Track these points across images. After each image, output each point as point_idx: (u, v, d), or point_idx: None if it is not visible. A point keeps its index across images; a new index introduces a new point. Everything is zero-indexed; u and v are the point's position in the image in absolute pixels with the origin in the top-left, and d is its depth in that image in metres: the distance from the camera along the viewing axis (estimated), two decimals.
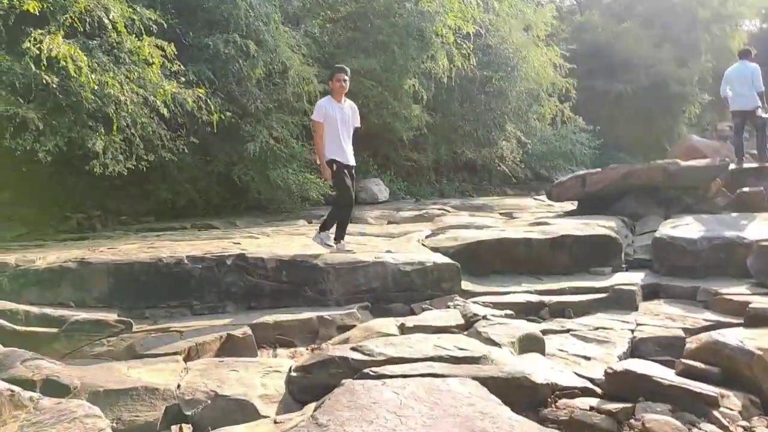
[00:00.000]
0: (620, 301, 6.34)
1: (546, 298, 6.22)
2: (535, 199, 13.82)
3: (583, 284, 6.70)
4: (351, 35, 13.81)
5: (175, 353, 4.50)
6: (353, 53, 13.37)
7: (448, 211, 11.67)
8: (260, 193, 10.91)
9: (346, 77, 6.55)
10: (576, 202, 10.50)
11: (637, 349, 5.40)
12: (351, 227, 9.09)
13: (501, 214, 11.24)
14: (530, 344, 4.75)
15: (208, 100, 8.88)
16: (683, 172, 9.12)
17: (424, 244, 7.47)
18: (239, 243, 7.15)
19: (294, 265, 6.04)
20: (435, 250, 7.20)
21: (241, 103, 10.38)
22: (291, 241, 7.50)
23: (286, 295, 5.95)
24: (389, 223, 10.35)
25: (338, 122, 6.44)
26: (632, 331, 5.59)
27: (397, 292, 6.15)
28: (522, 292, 6.42)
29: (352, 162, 6.65)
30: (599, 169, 10.06)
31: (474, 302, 5.95)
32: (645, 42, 25.22)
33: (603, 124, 22.53)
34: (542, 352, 4.79)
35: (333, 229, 6.76)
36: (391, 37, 13.31)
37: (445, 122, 15.32)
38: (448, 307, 5.74)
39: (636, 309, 6.24)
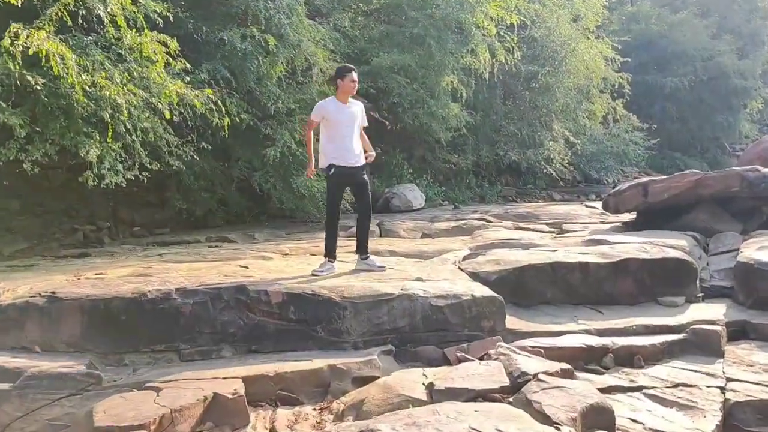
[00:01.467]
0: (701, 345, 5.19)
1: (609, 341, 5.10)
2: (586, 206, 12.56)
3: (653, 321, 5.55)
4: (384, 29, 12.78)
5: (140, 427, 3.54)
6: (386, 48, 12.35)
7: (489, 221, 10.54)
8: (283, 202, 9.97)
9: (357, 78, 6.03)
10: (635, 213, 9.28)
11: (731, 415, 4.27)
12: (380, 244, 8.09)
13: (548, 225, 10.06)
14: (596, 419, 3.68)
15: (219, 102, 7.94)
16: (766, 180, 7.83)
17: (461, 268, 6.40)
18: (246, 267, 6.21)
19: (304, 299, 5.05)
20: (474, 275, 6.13)
21: (261, 104, 9.44)
22: (308, 264, 6.51)
23: (293, 336, 4.97)
24: (423, 236, 9.30)
25: (343, 125, 5.92)
26: (722, 389, 4.46)
27: (427, 332, 5.12)
28: (579, 331, 5.31)
29: (360, 162, 6.06)
30: (663, 177, 8.82)
31: (521, 347, 4.87)
32: (702, 32, 23.53)
33: (656, 121, 21.05)
34: (611, 428, 3.71)
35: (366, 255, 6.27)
36: (427, 30, 12.23)
37: (487, 122, 14.17)
38: (489, 356, 4.67)
39: (721, 355, 5.08)
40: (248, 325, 4.93)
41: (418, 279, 5.72)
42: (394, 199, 12.20)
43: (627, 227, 8.98)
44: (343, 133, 5.87)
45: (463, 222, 9.91)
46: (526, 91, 14.68)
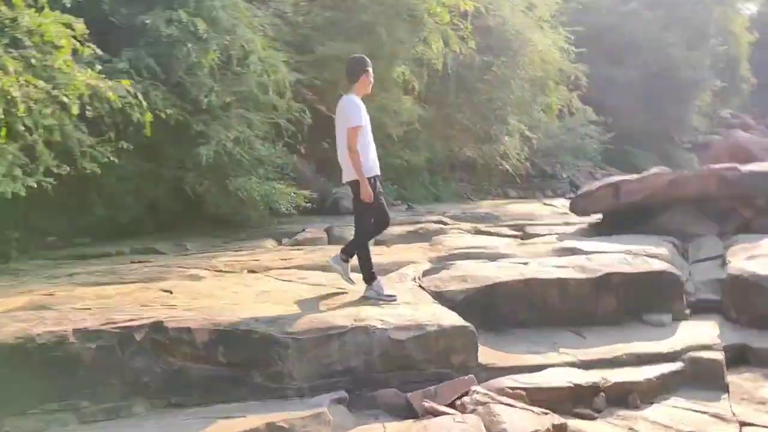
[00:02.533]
0: (701, 377, 4.54)
1: (598, 376, 4.37)
2: (545, 204, 11.95)
3: (643, 347, 4.86)
4: (330, 15, 11.82)
5: None
6: (332, 36, 11.40)
7: (447, 224, 9.75)
8: (219, 206, 8.95)
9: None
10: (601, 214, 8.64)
11: None
12: (329, 254, 7.19)
13: (510, 227, 9.33)
14: None
15: (140, 95, 6.89)
16: (745, 179, 7.28)
17: (423, 287, 5.57)
18: (170, 292, 5.24)
19: (236, 337, 4.13)
20: (438, 296, 5.33)
21: (192, 97, 8.40)
22: (245, 285, 5.57)
23: (224, 384, 4.05)
24: (377, 243, 8.42)
25: (368, 125, 5.11)
26: None
27: (387, 371, 4.29)
28: (562, 364, 4.56)
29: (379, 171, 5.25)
30: (636, 176, 8.20)
31: (499, 390, 4.08)
32: (652, 24, 23.28)
33: (608, 114, 20.65)
34: None
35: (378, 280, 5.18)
36: (376, 16, 11.34)
37: (440, 116, 13.38)
38: (464, 407, 3.85)
39: (725, 388, 4.43)
40: (167, 373, 3.99)
41: (375, 304, 4.86)
42: (343, 199, 11.29)
43: (595, 230, 8.35)
44: (370, 137, 5.09)
45: (419, 226, 9.09)
46: (480, 83, 13.94)
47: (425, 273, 6.02)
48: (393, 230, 9.07)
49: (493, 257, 6.48)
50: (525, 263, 5.97)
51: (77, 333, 3.95)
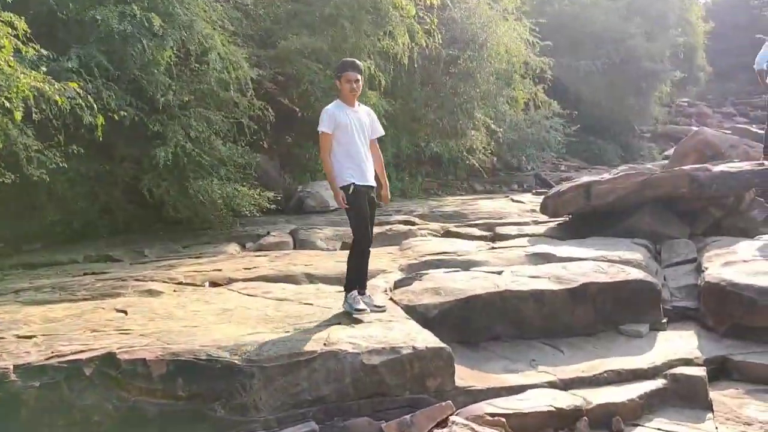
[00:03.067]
0: (684, 395, 4.41)
1: (580, 398, 4.20)
2: (513, 200, 11.81)
3: (622, 363, 4.72)
4: (292, 7, 11.44)
5: None
6: (295, 29, 11.03)
7: (416, 224, 9.54)
8: (178, 209, 8.56)
9: (359, 77, 4.88)
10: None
11: None
12: (294, 262, 6.91)
13: (479, 227, 9.16)
14: None
15: (91, 96, 6.48)
16: (717, 179, 7.20)
17: (394, 300, 5.33)
18: (125, 312, 4.90)
19: (196, 367, 3.83)
20: (410, 310, 5.10)
21: (148, 96, 7.98)
22: (205, 302, 5.26)
23: (184, 419, 3.75)
24: (343, 246, 8.17)
25: (354, 132, 4.82)
26: None
27: (359, 399, 4.04)
28: (543, 384, 4.37)
29: (372, 182, 4.95)
30: (606, 176, 8.06)
31: (478, 418, 3.88)
32: (613, 14, 23.35)
33: (570, 105, 20.66)
34: None
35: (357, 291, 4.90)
36: (340, 9, 11.00)
37: (406, 110, 13.11)
38: None
39: (709, 407, 4.29)
40: (120, 410, 3.67)
41: (345, 322, 4.61)
42: (308, 198, 10.99)
43: (565, 230, 8.21)
44: (358, 143, 4.80)
45: (387, 227, 8.85)
46: (446, 76, 13.71)
47: (396, 284, 5.78)
48: None
49: (466, 265, 6.27)
50: (499, 272, 5.78)
51: (19, 369, 3.62)
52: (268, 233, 8.64)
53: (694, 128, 29.14)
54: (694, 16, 29.88)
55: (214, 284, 6.14)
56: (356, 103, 4.91)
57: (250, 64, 9.57)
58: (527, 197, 12.24)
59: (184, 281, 6.18)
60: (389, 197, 5.38)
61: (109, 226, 8.89)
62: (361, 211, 4.78)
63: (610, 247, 6.69)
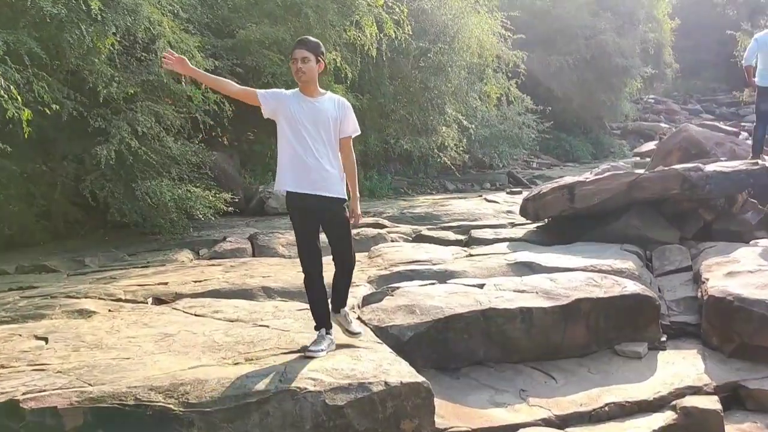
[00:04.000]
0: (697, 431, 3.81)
1: None
2: (487, 200, 11.24)
3: (625, 393, 4.18)
4: None
5: None
6: (255, 18, 10.28)
7: (385, 227, 8.89)
8: (124, 212, 7.76)
9: (307, 54, 3.85)
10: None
11: None
12: (251, 273, 6.21)
13: (454, 230, 8.56)
14: None
15: (12, 88, 5.68)
16: (711, 180, 6.70)
17: (363, 320, 4.68)
18: (45, 340, 4.16)
19: (121, 416, 3.13)
20: (381, 332, 4.48)
21: (88, 88, 7.19)
22: (144, 324, 4.54)
23: None
24: None
25: (301, 127, 3.84)
26: None
27: None
28: (536, 423, 3.77)
29: (332, 189, 3.88)
30: (590, 176, 7.52)
31: None
32: (583, 9, 23.00)
33: (541, 100, 20.25)
34: None
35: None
36: None
37: (374, 105, 12.43)
38: None
39: None
40: None
41: (303, 351, 3.93)
42: (270, 199, 10.26)
43: (546, 235, 7.68)
44: (305, 141, 3.82)
45: (355, 231, 8.13)
46: (416, 70, 13.07)
47: (365, 300, 5.14)
48: (324, 237, 8.14)
49: (442, 276, 5.66)
50: (480, 286, 5.17)
51: None
52: (225, 239, 7.90)
53: (663, 125, 29.39)
54: (661, 13, 29.74)
55: (158, 301, 5.43)
56: (320, 91, 3.95)
57: (205, 54, 8.83)
58: (501, 197, 11.69)
59: (123, 298, 5.45)
60: (360, 213, 4.23)
61: (47, 231, 8.06)
62: (298, 227, 3.95)
63: (599, 254, 6.14)
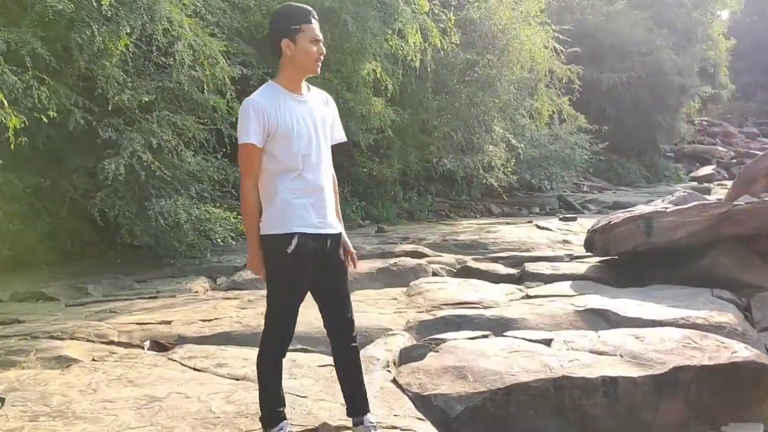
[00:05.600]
0: None
1: None
2: (539, 227, 10.19)
3: None
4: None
5: None
6: None
7: (426, 255, 7.93)
8: (135, 234, 6.98)
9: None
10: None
11: None
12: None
13: (504, 262, 7.56)
14: None
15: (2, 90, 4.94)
16: None
17: (399, 384, 3.71)
18: (1, 401, 3.30)
19: None
20: (424, 402, 3.51)
21: (97, 94, 6.45)
22: (130, 382, 3.66)
23: None
24: None
25: (308, 136, 2.73)
26: None
27: None
28: None
29: (335, 227, 2.86)
30: (670, 206, 6.43)
31: None
32: (638, 25, 21.82)
33: (591, 121, 19.13)
34: None
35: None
36: (342, 3, 9.47)
37: (416, 121, 11.54)
38: None
39: None
40: None
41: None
42: None
43: (613, 272, 6.59)
44: (306, 158, 2.73)
45: (392, 262, 7.21)
46: (461, 84, 12.15)
47: (404, 355, 4.17)
48: (360, 266, 7.19)
49: (497, 324, 4.66)
50: (546, 342, 4.15)
51: None
52: (245, 266, 7.03)
53: (720, 148, 27.86)
54: (717, 32, 28.33)
55: (156, 345, 4.56)
56: (304, 85, 2.80)
57: (233, 62, 8.06)
58: (554, 223, 10.61)
59: (116, 340, 4.60)
60: (353, 250, 3.01)
61: (53, 252, 7.31)
62: (292, 280, 2.78)
63: (687, 302, 5.06)
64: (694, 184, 20.13)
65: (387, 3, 9.96)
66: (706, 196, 10.55)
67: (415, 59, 10.11)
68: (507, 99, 12.53)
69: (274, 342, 2.85)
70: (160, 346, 4.55)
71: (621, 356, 3.85)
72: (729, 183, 20.72)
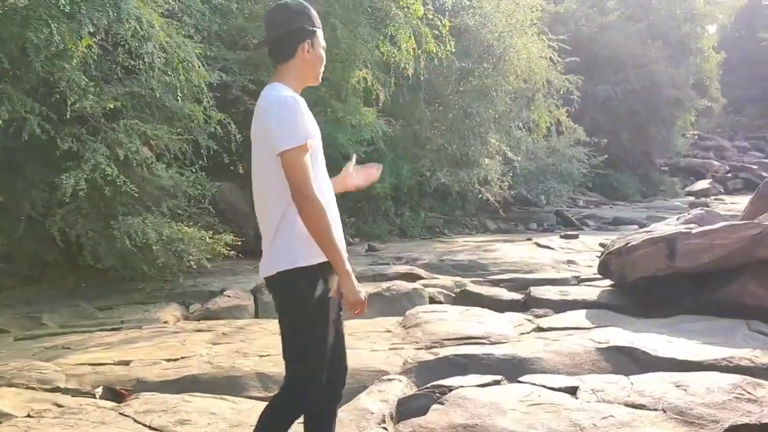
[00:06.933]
0: None
1: None
2: (540, 245, 9.58)
3: None
4: (273, 4, 9.28)
5: None
6: None
7: (421, 278, 7.28)
8: (99, 256, 6.27)
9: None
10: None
11: None
12: (244, 350, 4.64)
13: (508, 285, 6.96)
14: None
15: None
16: None
17: None
18: None
19: None
20: None
21: (54, 100, 5.77)
22: None
23: None
24: None
25: (320, 151, 2.43)
26: None
27: None
28: None
29: None
30: (695, 227, 5.81)
31: None
32: (633, 37, 21.44)
33: (587, 134, 18.60)
34: None
35: None
36: (331, 7, 8.87)
37: (408, 133, 10.94)
38: None
39: None
40: None
41: None
42: None
43: (628, 297, 5.98)
44: (325, 176, 2.43)
45: (385, 285, 6.56)
46: (456, 94, 11.57)
47: (402, 408, 3.50)
48: None
49: (509, 367, 4.01)
50: (571, 390, 3.51)
51: None
52: (222, 291, 6.35)
53: (714, 162, 27.47)
54: (707, 46, 28.09)
55: (110, 392, 3.87)
56: None
57: (212, 68, 7.42)
58: (555, 241, 10.01)
59: (63, 386, 3.90)
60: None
61: (8, 277, 6.58)
62: (327, 318, 2.31)
63: (722, 337, 4.44)
64: (691, 198, 19.67)
65: (378, 7, 9.39)
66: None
67: (407, 67, 9.51)
68: (503, 110, 11.97)
69: (315, 398, 2.36)
70: (114, 393, 3.86)
71: (664, 411, 3.21)
72: (726, 198, 20.38)
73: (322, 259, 2.23)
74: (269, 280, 2.33)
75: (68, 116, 5.58)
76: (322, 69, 2.45)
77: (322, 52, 2.41)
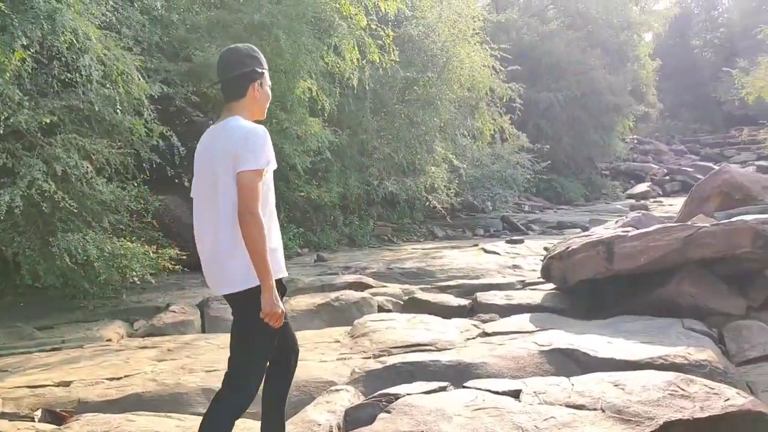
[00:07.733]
0: None
1: None
2: (486, 251, 9.74)
3: None
4: (214, 14, 9.26)
5: None
6: (217, 40, 8.80)
7: (370, 287, 7.32)
8: (38, 274, 6.09)
9: None
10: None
11: None
12: (190, 366, 4.58)
13: (455, 291, 7.05)
14: None
15: None
16: None
17: None
18: None
19: None
20: None
21: None
22: None
23: None
24: None
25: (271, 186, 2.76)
26: None
27: None
28: None
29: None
30: (631, 230, 6.02)
31: None
32: (574, 45, 22.06)
33: (530, 140, 19.00)
34: None
35: None
36: (274, 17, 8.85)
37: (355, 142, 10.97)
38: None
39: None
40: None
41: None
42: None
43: (571, 301, 6.15)
44: (273, 204, 2.75)
45: (334, 295, 6.57)
46: (401, 104, 11.69)
47: (349, 418, 3.52)
48: (297, 301, 6.54)
49: (455, 373, 4.08)
50: (514, 393, 3.59)
51: None
52: (168, 307, 6.25)
53: (653, 165, 28.45)
54: (643, 53, 29.11)
55: (50, 415, 3.77)
56: None
57: (152, 80, 7.31)
58: (501, 246, 10.19)
59: (0, 409, 3.78)
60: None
61: None
62: (274, 336, 2.63)
63: (659, 336, 4.62)
64: (632, 201, 20.28)
65: (322, 18, 9.42)
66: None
67: (352, 77, 9.57)
68: (448, 118, 12.15)
69: (244, 400, 2.64)
70: (54, 416, 3.77)
71: (603, 410, 3.32)
72: (665, 200, 21.08)
73: (281, 275, 2.64)
74: (235, 295, 2.55)
75: (2, 131, 5.40)
76: (268, 105, 2.77)
77: (269, 90, 2.75)
